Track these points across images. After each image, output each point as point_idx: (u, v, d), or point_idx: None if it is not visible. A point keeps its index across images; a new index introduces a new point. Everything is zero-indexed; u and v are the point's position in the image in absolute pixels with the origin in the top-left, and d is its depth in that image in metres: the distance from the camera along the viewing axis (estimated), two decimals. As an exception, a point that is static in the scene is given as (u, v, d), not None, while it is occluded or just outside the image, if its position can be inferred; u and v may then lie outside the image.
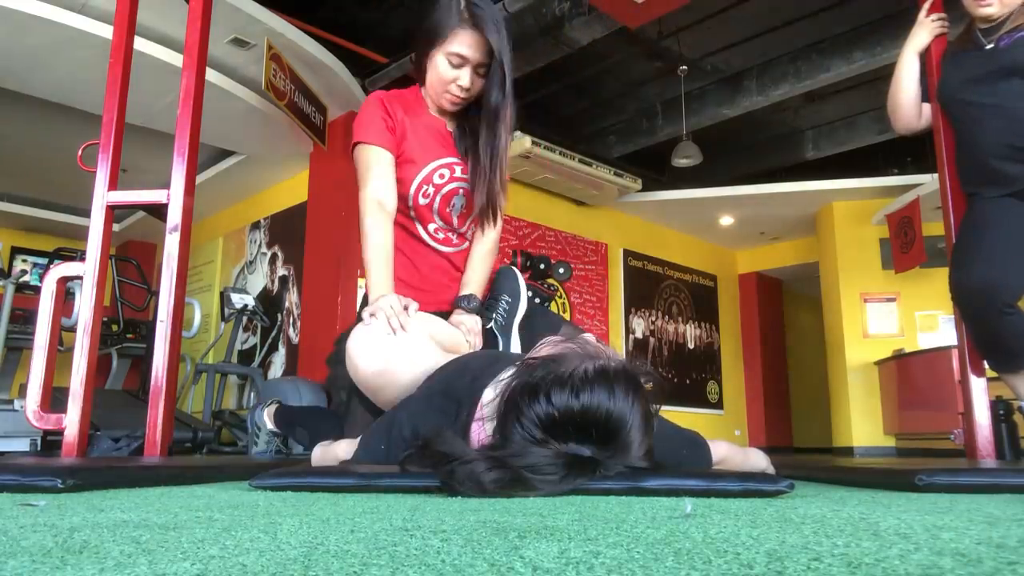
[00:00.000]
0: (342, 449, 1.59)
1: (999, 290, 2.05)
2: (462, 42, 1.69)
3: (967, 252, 2.14)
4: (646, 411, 1.12)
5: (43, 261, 6.64)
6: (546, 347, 1.20)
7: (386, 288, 1.61)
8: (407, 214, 1.82)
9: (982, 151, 2.17)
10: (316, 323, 5.33)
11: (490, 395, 1.22)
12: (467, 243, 1.91)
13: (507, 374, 1.21)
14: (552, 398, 1.08)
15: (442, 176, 1.79)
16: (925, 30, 2.38)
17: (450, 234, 1.86)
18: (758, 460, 1.59)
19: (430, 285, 1.85)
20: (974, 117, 2.19)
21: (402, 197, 1.78)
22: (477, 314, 1.79)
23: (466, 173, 1.82)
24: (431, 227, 1.83)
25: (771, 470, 1.58)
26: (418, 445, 1.21)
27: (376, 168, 1.70)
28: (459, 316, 1.76)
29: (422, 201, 1.79)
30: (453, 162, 1.81)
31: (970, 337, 2.22)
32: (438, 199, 1.80)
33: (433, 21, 1.72)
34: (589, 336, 1.42)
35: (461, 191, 1.83)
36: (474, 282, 1.83)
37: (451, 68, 1.71)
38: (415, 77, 1.84)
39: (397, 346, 1.46)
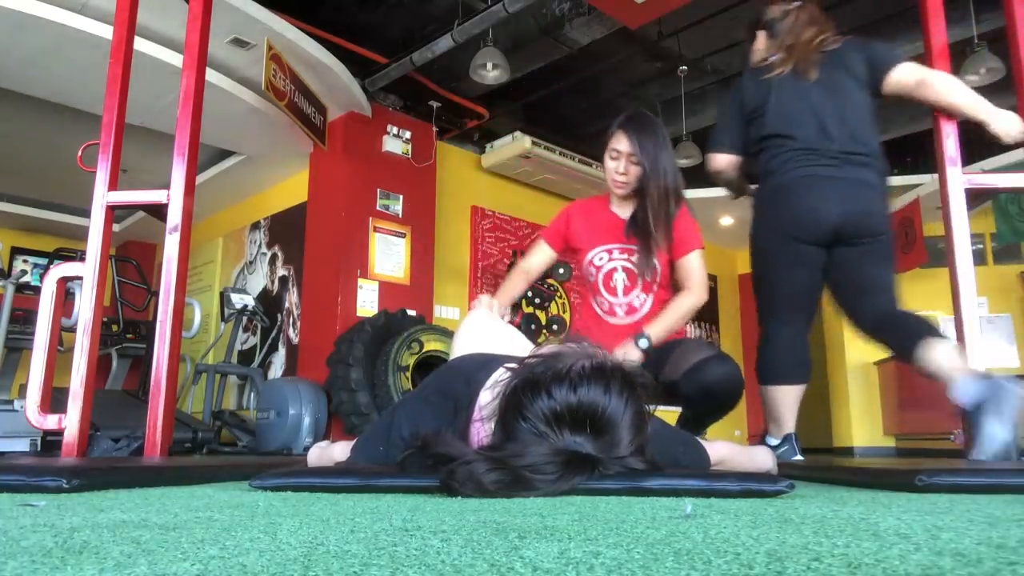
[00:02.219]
0: (339, 450, 1.59)
1: None
2: (616, 141, 2.23)
3: None
4: (639, 408, 1.15)
5: (43, 261, 6.63)
6: (545, 347, 1.23)
7: (497, 299, 2.11)
8: (590, 294, 2.30)
9: None
10: (316, 323, 5.32)
11: (488, 396, 1.24)
12: (638, 316, 2.24)
13: (504, 374, 1.22)
14: (552, 392, 1.11)
15: (600, 259, 2.24)
16: None
17: (617, 307, 2.26)
18: (763, 460, 1.57)
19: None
20: None
21: (584, 279, 2.29)
22: (642, 353, 2.09)
23: (624, 253, 2.23)
24: (599, 300, 2.27)
25: (775, 470, 1.58)
26: (417, 445, 1.22)
27: (535, 252, 2.40)
28: (623, 347, 2.09)
29: (589, 279, 2.28)
30: (612, 247, 2.25)
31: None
32: (600, 276, 2.25)
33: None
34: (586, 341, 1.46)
35: (620, 268, 2.24)
36: (656, 324, 2.16)
37: (611, 161, 2.23)
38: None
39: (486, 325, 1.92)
